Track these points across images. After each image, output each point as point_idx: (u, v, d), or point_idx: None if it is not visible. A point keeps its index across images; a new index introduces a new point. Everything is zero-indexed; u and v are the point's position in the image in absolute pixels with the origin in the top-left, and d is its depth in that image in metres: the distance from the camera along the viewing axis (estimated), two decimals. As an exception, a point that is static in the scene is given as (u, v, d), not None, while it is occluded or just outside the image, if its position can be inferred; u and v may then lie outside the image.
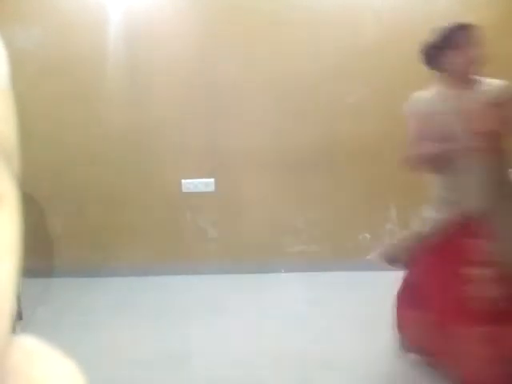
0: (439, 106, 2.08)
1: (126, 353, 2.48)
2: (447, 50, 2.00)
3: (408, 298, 2.31)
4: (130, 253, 3.43)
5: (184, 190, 3.38)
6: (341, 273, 3.33)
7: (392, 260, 2.35)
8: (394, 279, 3.18)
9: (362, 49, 3.17)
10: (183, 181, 3.37)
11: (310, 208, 3.39)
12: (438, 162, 2.08)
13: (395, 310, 2.38)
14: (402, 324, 2.35)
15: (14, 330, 0.29)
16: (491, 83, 2.07)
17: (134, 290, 3.24)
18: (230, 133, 3.31)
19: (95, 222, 3.40)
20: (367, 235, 3.39)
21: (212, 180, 3.37)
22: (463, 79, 2.05)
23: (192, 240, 3.45)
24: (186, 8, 3.18)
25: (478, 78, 2.07)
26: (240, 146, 3.31)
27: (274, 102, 3.26)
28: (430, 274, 2.16)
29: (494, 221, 1.99)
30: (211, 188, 3.38)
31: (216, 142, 3.32)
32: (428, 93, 2.14)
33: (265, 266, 3.41)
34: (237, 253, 3.44)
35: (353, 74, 3.20)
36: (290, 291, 3.18)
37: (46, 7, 3.13)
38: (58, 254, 3.43)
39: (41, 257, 3.34)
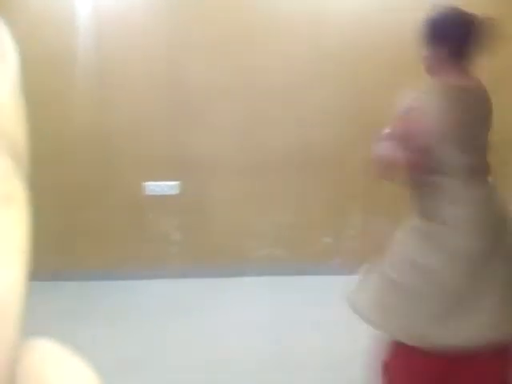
0: (442, 98, 1.74)
1: (86, 358, 2.41)
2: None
3: None
4: (90, 256, 3.36)
5: (147, 192, 3.33)
6: (304, 277, 3.35)
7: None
8: (353, 283, 3.25)
9: (331, 54, 3.20)
10: (146, 183, 3.32)
11: (274, 212, 3.40)
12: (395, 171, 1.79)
13: None
14: None
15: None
16: None
17: (94, 295, 3.16)
18: (196, 135, 3.28)
19: (54, 224, 3.30)
20: (330, 240, 3.42)
21: (176, 183, 3.33)
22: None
23: (155, 243, 3.40)
24: (154, 9, 3.15)
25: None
26: (206, 148, 3.29)
27: (241, 104, 3.25)
28: None
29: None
30: (175, 191, 3.34)
31: (181, 143, 3.29)
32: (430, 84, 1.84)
33: (228, 269, 3.40)
34: (200, 256, 3.41)
35: (322, 79, 3.23)
36: (254, 295, 3.18)
37: (12, 5, 3.05)
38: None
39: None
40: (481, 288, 1.61)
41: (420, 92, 1.80)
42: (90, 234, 3.35)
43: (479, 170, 1.70)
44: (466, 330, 1.58)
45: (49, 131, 3.20)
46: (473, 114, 1.70)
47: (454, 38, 1.69)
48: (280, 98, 3.25)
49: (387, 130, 1.85)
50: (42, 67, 3.10)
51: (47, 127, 3.20)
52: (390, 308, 1.72)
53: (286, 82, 3.23)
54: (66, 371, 0.32)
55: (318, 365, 2.39)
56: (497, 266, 1.63)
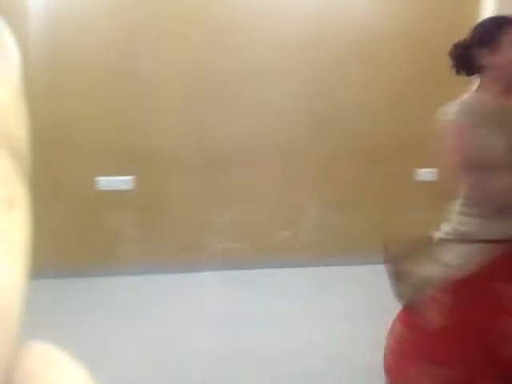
0: (479, 118, 1.64)
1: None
2: (488, 48, 1.62)
3: (416, 349, 1.81)
4: (40, 254, 3.20)
5: (100, 187, 3.23)
6: (262, 270, 3.37)
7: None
8: (313, 275, 3.31)
9: (286, 49, 3.21)
10: (99, 178, 3.22)
11: (231, 206, 3.38)
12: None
13: (393, 362, 1.88)
14: (403, 381, 1.85)
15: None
16: None
17: (46, 294, 3.04)
18: (150, 128, 3.21)
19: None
20: (287, 233, 3.45)
21: (130, 177, 3.25)
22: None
23: (110, 241, 3.31)
24: (107, 3, 3.04)
25: None
26: (161, 141, 3.23)
27: (195, 98, 3.21)
28: (457, 323, 1.70)
29: None
30: (129, 186, 3.26)
31: (136, 137, 3.21)
32: (465, 102, 1.71)
33: (187, 265, 3.35)
34: (157, 252, 3.35)
35: (274, 72, 3.24)
36: (213, 290, 3.16)
37: None
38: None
39: None
40: None
41: None
42: (39, 232, 3.17)
43: None
44: None
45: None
46: None
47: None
48: (236, 92, 3.23)
49: None
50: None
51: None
52: None
53: (242, 77, 3.21)
54: (64, 376, 0.32)
55: (280, 359, 2.40)
56: None
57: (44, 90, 3.05)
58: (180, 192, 3.32)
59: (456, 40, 1.75)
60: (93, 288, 3.14)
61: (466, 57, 1.69)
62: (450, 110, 1.68)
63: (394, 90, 3.36)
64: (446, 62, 3.50)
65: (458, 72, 1.74)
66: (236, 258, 3.41)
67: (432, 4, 3.28)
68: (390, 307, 2.86)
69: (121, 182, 3.25)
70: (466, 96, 1.71)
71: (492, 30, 1.63)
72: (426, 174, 3.50)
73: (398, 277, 1.93)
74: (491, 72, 1.63)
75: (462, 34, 3.28)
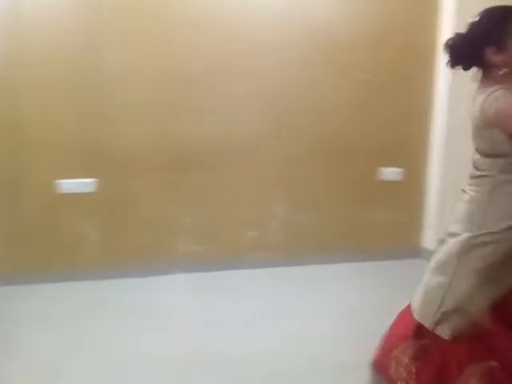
0: None
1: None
2: (496, 46, 1.62)
3: None
4: (1, 261, 3.11)
5: (61, 190, 3.13)
6: (230, 271, 3.34)
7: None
8: (281, 275, 3.31)
9: (249, 46, 3.20)
10: (60, 181, 3.13)
11: (196, 207, 3.35)
12: None
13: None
14: None
15: None
16: None
17: (6, 300, 2.94)
18: (112, 129, 3.14)
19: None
20: (254, 233, 3.43)
21: (92, 180, 3.17)
22: None
23: (72, 245, 3.22)
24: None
25: None
26: (124, 143, 3.16)
27: (159, 99, 3.16)
28: None
29: None
30: (92, 188, 3.18)
31: (97, 139, 3.13)
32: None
33: (152, 268, 3.30)
34: (121, 256, 3.28)
35: (239, 72, 3.22)
36: (180, 293, 3.11)
37: None
38: None
39: None
40: None
41: None
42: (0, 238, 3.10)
43: None
44: None
45: None
46: None
47: None
48: (200, 90, 3.19)
49: None
50: None
51: None
52: None
53: (208, 75, 3.18)
54: None
55: (241, 361, 2.38)
56: None
57: (2, 90, 2.95)
58: (144, 194, 3.26)
59: (455, 32, 1.69)
60: (55, 294, 3.05)
61: (465, 51, 1.67)
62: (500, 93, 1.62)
63: (358, 92, 3.39)
64: (408, 64, 3.57)
65: (452, 66, 1.73)
66: (202, 259, 3.38)
67: (394, 7, 3.34)
68: (356, 305, 2.91)
69: (83, 184, 3.16)
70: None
71: (495, 28, 1.61)
72: (389, 173, 3.56)
73: None
74: (503, 68, 1.62)
75: (423, 35, 3.38)
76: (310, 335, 2.58)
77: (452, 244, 1.74)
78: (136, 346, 2.51)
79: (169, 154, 3.23)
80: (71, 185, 3.14)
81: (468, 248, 1.69)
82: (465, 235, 1.70)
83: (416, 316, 1.79)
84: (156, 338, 2.58)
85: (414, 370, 1.77)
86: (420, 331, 1.76)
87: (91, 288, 3.13)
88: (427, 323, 1.74)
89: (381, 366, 1.91)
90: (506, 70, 1.62)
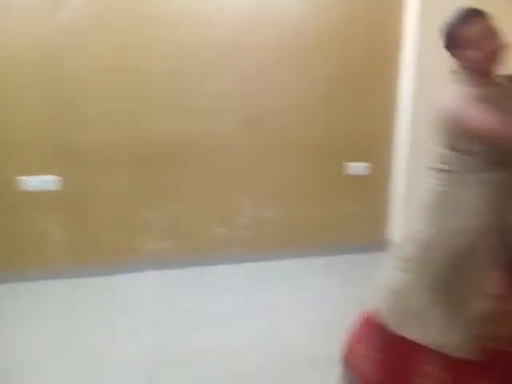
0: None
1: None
2: (460, 50, 1.68)
3: None
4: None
5: (22, 188, 3.05)
6: (199, 268, 3.33)
7: None
8: (250, 271, 3.31)
9: (215, 45, 3.17)
10: (21, 178, 3.04)
11: (163, 205, 3.31)
12: None
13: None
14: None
15: None
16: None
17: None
18: (77, 126, 3.06)
19: None
20: (222, 230, 3.42)
21: (55, 177, 3.10)
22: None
23: (35, 244, 3.14)
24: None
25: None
26: (88, 140, 3.09)
27: (126, 95, 3.09)
28: None
29: None
30: (55, 186, 3.10)
31: (61, 135, 3.05)
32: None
33: (120, 267, 3.25)
34: (85, 255, 3.22)
35: (205, 71, 3.19)
36: (149, 291, 3.07)
37: None
38: None
39: None
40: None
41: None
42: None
43: None
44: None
45: None
46: None
47: None
48: (164, 87, 3.15)
49: None
50: None
51: None
52: None
53: (171, 72, 3.14)
54: None
55: (207, 359, 2.37)
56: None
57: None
58: (109, 192, 3.20)
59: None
60: (19, 294, 2.98)
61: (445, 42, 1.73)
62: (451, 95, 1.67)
63: (325, 89, 3.41)
64: (373, 62, 3.60)
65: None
66: (171, 257, 3.35)
67: (359, 5, 3.36)
68: (325, 299, 2.94)
69: (47, 181, 3.08)
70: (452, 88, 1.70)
71: (454, 33, 1.67)
72: (355, 167, 3.60)
73: None
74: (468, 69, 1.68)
75: (388, 34, 3.43)
76: (281, 330, 2.60)
77: (413, 241, 1.77)
78: (104, 345, 2.47)
79: (134, 152, 3.18)
80: (34, 182, 3.06)
81: (426, 247, 1.71)
82: (425, 233, 1.72)
83: (379, 314, 1.81)
84: (124, 336, 2.55)
85: (378, 363, 1.80)
86: (383, 326, 1.79)
87: (55, 287, 3.06)
88: (390, 323, 1.77)
89: (349, 360, 1.94)
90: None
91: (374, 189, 3.69)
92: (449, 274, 1.67)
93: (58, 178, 3.09)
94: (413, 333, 1.70)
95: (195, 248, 3.39)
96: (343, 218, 3.64)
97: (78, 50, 2.98)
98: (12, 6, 2.84)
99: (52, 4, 2.89)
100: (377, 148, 3.63)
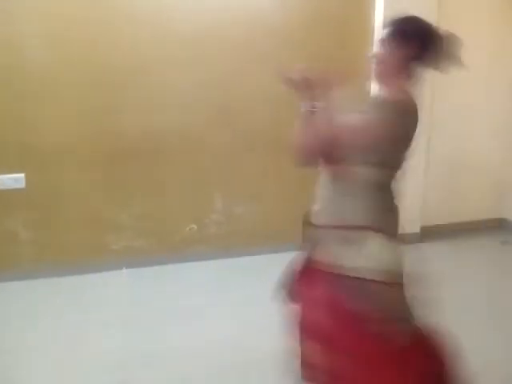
0: None
1: None
2: None
3: None
4: None
5: (-12, 187, 2.97)
6: (170, 266, 3.30)
7: None
8: (222, 268, 3.29)
9: (185, 39, 3.13)
10: (-13, 177, 2.96)
11: (133, 202, 3.26)
12: None
13: None
14: None
15: None
16: None
17: None
18: (41, 123, 2.99)
19: None
20: (194, 226, 3.39)
21: (22, 175, 3.02)
22: None
23: (2, 243, 3.06)
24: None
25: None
26: (53, 137, 3.02)
27: (90, 90, 3.03)
28: None
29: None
30: (21, 184, 3.02)
31: (26, 132, 2.98)
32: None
33: (89, 265, 3.19)
34: (54, 254, 3.15)
35: (176, 65, 3.15)
36: (114, 290, 3.03)
37: None
38: None
39: None
40: None
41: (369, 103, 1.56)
42: None
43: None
44: None
45: None
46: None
47: (425, 39, 1.48)
48: (134, 84, 3.10)
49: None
50: None
51: None
52: None
53: (140, 67, 3.09)
54: None
55: (180, 358, 2.35)
56: None
57: None
58: (77, 189, 3.14)
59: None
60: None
61: None
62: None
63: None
64: (345, 50, 3.59)
65: None
66: (142, 254, 3.30)
67: (326, 2, 3.37)
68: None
69: (11, 180, 3.00)
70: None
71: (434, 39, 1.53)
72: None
73: None
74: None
75: (358, 28, 3.44)
76: (255, 327, 2.59)
77: None
78: (76, 344, 2.44)
79: (103, 149, 3.12)
80: (0, 180, 2.98)
81: None
82: None
83: None
84: (96, 335, 2.52)
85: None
86: None
87: (25, 288, 3.00)
88: None
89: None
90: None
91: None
92: None
93: (23, 175, 3.02)
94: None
95: (167, 245, 3.36)
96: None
97: (44, 46, 2.90)
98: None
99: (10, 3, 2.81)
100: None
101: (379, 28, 3.38)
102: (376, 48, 1.54)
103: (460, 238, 3.90)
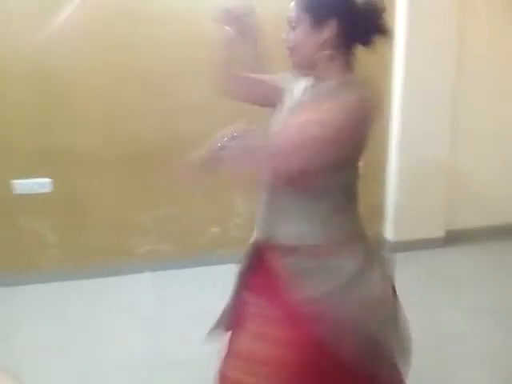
0: None
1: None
2: None
3: None
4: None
5: (16, 191, 3.04)
6: (193, 269, 3.32)
7: None
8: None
9: (204, 44, 3.14)
10: (14, 181, 3.03)
11: (157, 206, 3.30)
12: None
13: None
14: None
15: None
16: None
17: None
18: (67, 128, 3.05)
19: None
20: (216, 229, 3.41)
21: (48, 180, 3.08)
22: None
23: (28, 247, 3.13)
24: None
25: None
26: (79, 141, 3.08)
27: (113, 95, 3.08)
28: None
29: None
30: (48, 188, 3.09)
31: (52, 137, 3.04)
32: None
33: (114, 269, 3.24)
34: (80, 257, 3.21)
35: (194, 70, 3.17)
36: (139, 293, 3.07)
37: None
38: None
39: None
40: None
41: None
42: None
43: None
44: None
45: None
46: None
47: (343, 12, 1.21)
48: (154, 87, 3.13)
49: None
50: None
51: None
52: None
53: (166, 71, 3.12)
54: None
55: (204, 361, 2.36)
56: None
57: None
58: (103, 193, 3.19)
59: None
60: (13, 298, 2.97)
61: None
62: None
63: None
64: (365, 59, 3.57)
65: None
66: (165, 258, 3.34)
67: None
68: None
69: (38, 184, 3.07)
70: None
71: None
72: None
73: None
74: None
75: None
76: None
77: None
78: (101, 347, 2.48)
79: (126, 153, 3.16)
80: (27, 185, 3.05)
81: None
82: None
83: None
84: (120, 338, 2.55)
85: None
86: None
87: (51, 290, 3.06)
88: None
89: None
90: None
91: (368, 187, 3.68)
92: None
93: (50, 180, 3.08)
94: None
95: (190, 248, 3.38)
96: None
97: (66, 56, 2.96)
98: (4, 8, 2.83)
99: (42, 7, 2.87)
100: (370, 146, 3.61)
101: (400, 31, 3.34)
102: (286, 30, 1.27)
103: (490, 242, 3.75)
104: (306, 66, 1.29)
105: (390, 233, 3.69)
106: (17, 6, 2.85)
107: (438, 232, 3.74)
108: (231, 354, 1.51)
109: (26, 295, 3.00)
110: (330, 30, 1.21)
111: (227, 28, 1.40)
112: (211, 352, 2.38)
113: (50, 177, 3.08)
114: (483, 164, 3.82)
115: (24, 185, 3.04)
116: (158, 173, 1.34)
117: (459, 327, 2.64)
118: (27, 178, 3.05)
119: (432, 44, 3.36)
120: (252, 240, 1.48)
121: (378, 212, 3.73)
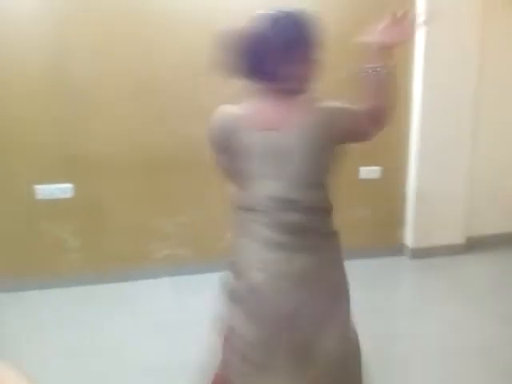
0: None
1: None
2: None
3: None
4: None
5: (38, 196, 3.08)
6: (212, 274, 3.31)
7: None
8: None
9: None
10: (37, 186, 3.08)
11: (177, 211, 3.32)
12: None
13: None
14: None
15: None
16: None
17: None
18: (88, 134, 3.10)
19: None
20: (230, 235, 3.41)
21: (70, 185, 3.13)
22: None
23: (50, 251, 3.17)
24: (39, 5, 2.90)
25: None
26: (99, 147, 3.12)
27: (134, 102, 3.12)
28: None
29: None
30: (69, 194, 3.13)
31: (73, 143, 3.09)
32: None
33: (133, 273, 3.26)
34: (101, 262, 3.24)
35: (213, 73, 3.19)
36: (159, 298, 3.09)
37: None
38: None
39: None
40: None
41: None
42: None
43: None
44: None
45: None
46: None
47: (311, 39, 1.47)
48: (180, 92, 3.16)
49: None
50: None
51: None
52: None
53: (178, 80, 3.15)
54: None
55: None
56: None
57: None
58: (123, 198, 3.23)
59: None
60: (34, 301, 3.01)
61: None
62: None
63: (334, 91, 3.39)
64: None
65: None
66: (184, 263, 3.36)
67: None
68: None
69: (60, 190, 3.12)
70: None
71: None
72: (368, 171, 3.58)
73: None
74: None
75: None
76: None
77: None
78: (119, 351, 2.49)
79: (146, 159, 3.20)
80: (49, 190, 3.10)
81: None
82: None
83: None
84: (138, 342, 2.56)
85: None
86: None
87: (72, 294, 3.09)
88: None
89: None
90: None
91: (388, 192, 3.66)
92: None
93: (73, 185, 3.12)
94: None
95: (208, 253, 3.39)
96: (358, 223, 3.62)
97: (91, 61, 3.00)
98: (19, 16, 2.88)
99: (59, 12, 2.92)
100: (390, 151, 3.60)
101: (419, 41, 3.33)
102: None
103: (510, 249, 3.73)
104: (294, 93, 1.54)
105: (409, 239, 3.66)
106: (34, 14, 2.90)
107: (459, 238, 3.70)
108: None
109: (47, 300, 3.03)
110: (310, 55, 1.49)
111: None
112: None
113: (71, 182, 3.12)
114: (504, 170, 3.78)
115: (46, 190, 3.09)
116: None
117: (479, 335, 2.61)
118: (49, 183, 3.09)
119: (453, 49, 3.34)
120: None
121: (399, 218, 3.71)
